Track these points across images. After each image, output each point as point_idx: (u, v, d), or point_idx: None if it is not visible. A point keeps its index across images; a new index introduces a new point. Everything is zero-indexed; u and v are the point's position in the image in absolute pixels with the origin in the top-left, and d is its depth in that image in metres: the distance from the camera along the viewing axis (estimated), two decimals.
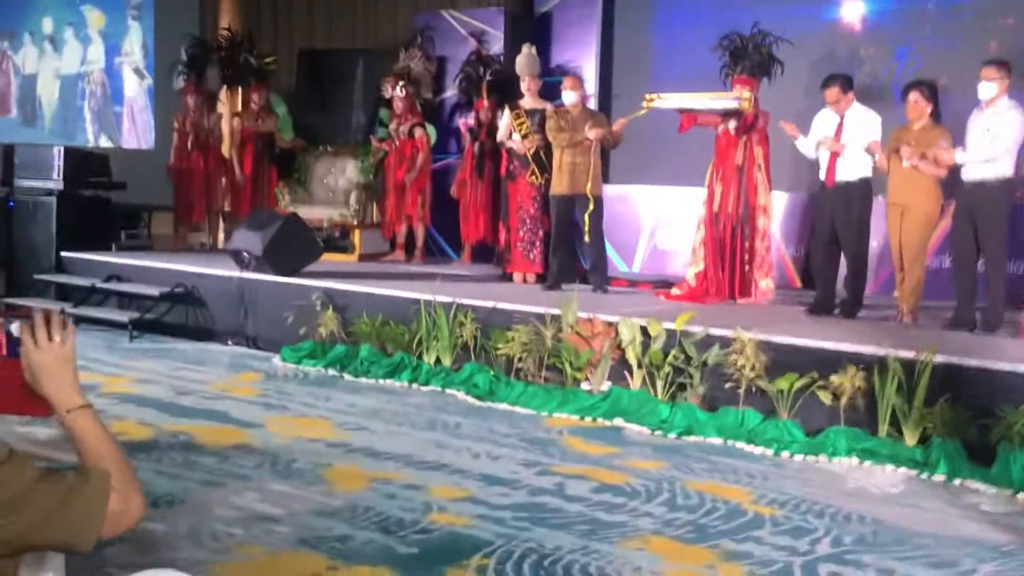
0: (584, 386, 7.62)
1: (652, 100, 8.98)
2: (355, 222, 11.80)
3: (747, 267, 8.89)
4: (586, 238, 9.32)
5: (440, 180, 12.09)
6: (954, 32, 9.67)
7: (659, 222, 11.39)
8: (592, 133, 9.21)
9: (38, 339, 2.31)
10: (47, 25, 14.81)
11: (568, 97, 9.49)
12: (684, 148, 10.11)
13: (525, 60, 10.22)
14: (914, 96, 7.90)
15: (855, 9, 10.36)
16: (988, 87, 7.49)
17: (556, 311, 7.87)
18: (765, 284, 8.91)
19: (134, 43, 14.35)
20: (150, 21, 14.20)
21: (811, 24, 10.04)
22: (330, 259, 10.67)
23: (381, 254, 11.95)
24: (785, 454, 6.52)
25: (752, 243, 8.87)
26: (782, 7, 9.92)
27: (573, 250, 10.02)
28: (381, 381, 8.29)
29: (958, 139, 7.75)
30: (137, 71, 14.35)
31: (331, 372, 8.58)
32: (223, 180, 12.52)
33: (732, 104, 8.72)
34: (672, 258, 11.26)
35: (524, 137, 9.88)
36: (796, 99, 9.93)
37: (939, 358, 6.43)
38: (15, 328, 2.42)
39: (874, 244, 8.86)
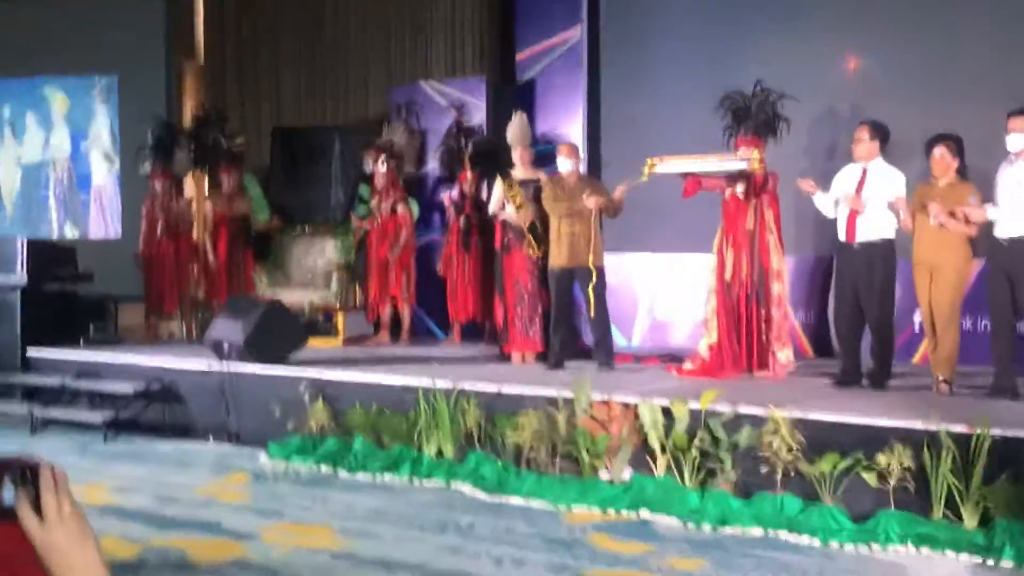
0: (603, 475, 7.05)
1: (654, 165, 8.49)
2: (337, 304, 11.23)
3: (764, 337, 8.39)
4: (591, 313, 8.79)
5: (424, 257, 11.57)
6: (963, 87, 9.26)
7: (658, 292, 10.87)
8: (591, 201, 8.72)
9: (46, 512, 1.62)
10: (6, 111, 14.23)
11: (564, 165, 9.01)
12: (681, 214, 9.67)
13: (517, 129, 9.74)
14: (939, 151, 7.47)
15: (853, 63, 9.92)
16: (1018, 139, 7.06)
17: (567, 394, 7.31)
18: (784, 355, 8.40)
19: (101, 127, 13.79)
20: (116, 104, 13.67)
21: (810, 81, 9.59)
22: (313, 345, 10.07)
23: (366, 337, 11.36)
24: (834, 543, 5.96)
25: (768, 311, 8.38)
26: (778, 64, 9.49)
27: (574, 326, 9.49)
28: (379, 477, 7.68)
29: (986, 194, 7.33)
30: (107, 156, 13.78)
31: (324, 469, 7.97)
32: (195, 266, 11.95)
33: (741, 166, 8.26)
34: (674, 330, 10.75)
35: (519, 208, 9.37)
36: (797, 158, 9.50)
37: (994, 431, 5.91)
38: (7, 494, 1.61)
39: None
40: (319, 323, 11.31)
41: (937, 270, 7.35)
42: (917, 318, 8.88)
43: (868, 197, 7.67)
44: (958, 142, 7.47)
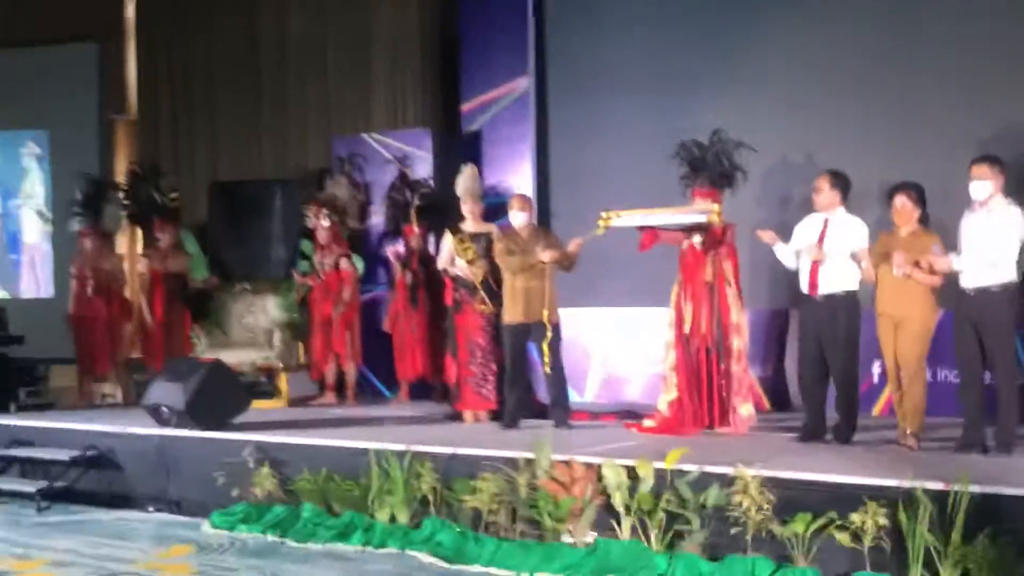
0: (566, 539, 6.75)
1: (609, 219, 8.29)
2: (280, 364, 10.86)
3: (725, 393, 8.17)
4: (546, 369, 8.55)
5: (370, 313, 11.28)
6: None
7: (612, 347, 10.64)
8: (546, 255, 8.50)
9: None
10: None
11: (517, 218, 8.79)
12: (634, 266, 9.46)
13: (468, 181, 9.48)
14: (900, 200, 7.32)
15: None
16: (981, 186, 6.94)
17: (527, 454, 7.03)
18: (746, 410, 8.18)
19: (35, 184, 13.39)
20: (48, 160, 13.27)
21: (764, 130, 9.49)
22: (256, 407, 9.69)
23: (310, 398, 11.03)
24: None
25: (728, 366, 8.17)
26: (731, 113, 9.38)
27: (529, 383, 9.23)
28: (330, 545, 7.33)
29: (948, 243, 7.21)
30: (40, 214, 13.36)
31: (271, 538, 7.60)
32: (130, 326, 11.56)
33: (700, 219, 8.08)
34: (628, 385, 10.53)
35: (470, 263, 9.11)
36: (751, 209, 9.36)
37: (972, 487, 5.71)
38: None
39: None
40: (260, 384, 10.93)
41: (902, 322, 7.18)
42: (876, 368, 8.77)
43: (830, 248, 7.51)
44: (919, 190, 7.33)
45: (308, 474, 7.82)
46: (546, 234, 8.95)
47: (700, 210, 8.14)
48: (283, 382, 10.80)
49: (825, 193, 7.66)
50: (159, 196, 11.72)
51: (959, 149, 8.23)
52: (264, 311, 11.40)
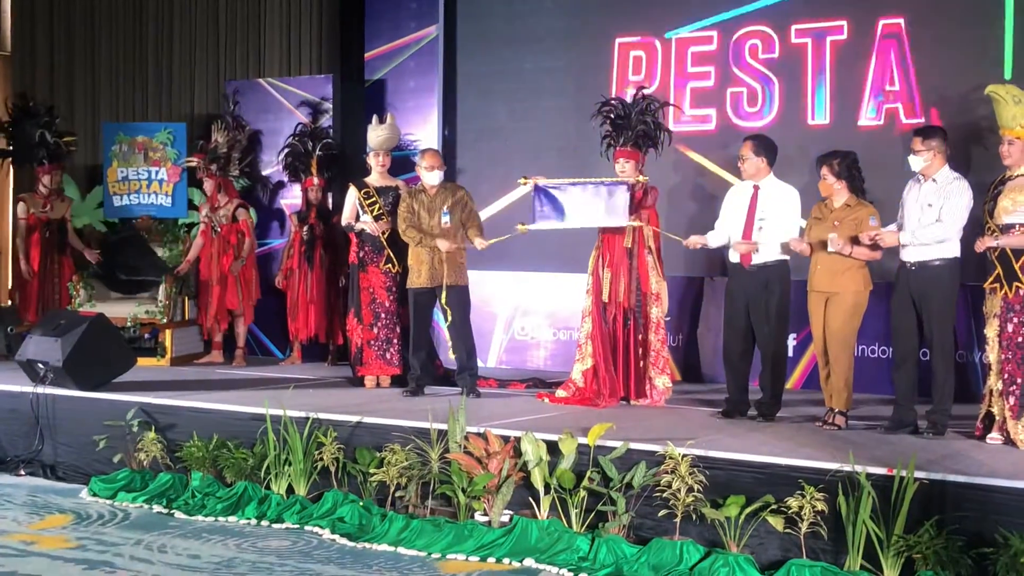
0: (480, 517, 6.32)
1: (524, 228, 7.99)
2: (164, 320, 10.20)
3: (642, 363, 7.82)
4: (453, 334, 8.15)
5: (260, 269, 10.63)
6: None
7: (516, 311, 10.22)
8: (442, 244, 8.03)
9: None
10: None
11: (433, 177, 8.21)
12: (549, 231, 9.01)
13: (388, 133, 8.89)
14: (823, 171, 7.00)
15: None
16: (916, 161, 6.65)
17: (439, 425, 6.60)
18: (662, 382, 7.86)
19: None
20: None
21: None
22: (138, 364, 9.03)
23: (196, 356, 10.39)
24: None
25: (646, 336, 7.82)
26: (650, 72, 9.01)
27: (433, 348, 8.77)
28: (221, 519, 6.81)
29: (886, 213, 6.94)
30: None
31: (156, 509, 7.07)
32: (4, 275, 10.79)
33: (625, 193, 7.68)
34: (532, 351, 10.12)
35: (377, 219, 8.57)
36: (668, 174, 9.01)
37: (918, 473, 5.43)
38: None
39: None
40: (142, 340, 10.27)
41: (834, 297, 6.87)
42: (791, 342, 8.50)
43: (762, 217, 7.17)
44: (846, 160, 6.99)
45: (197, 440, 7.31)
46: (455, 190, 8.40)
47: (622, 180, 7.76)
48: (168, 339, 10.13)
49: (750, 161, 7.31)
50: (51, 137, 10.89)
51: None
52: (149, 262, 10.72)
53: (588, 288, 7.96)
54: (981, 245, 6.29)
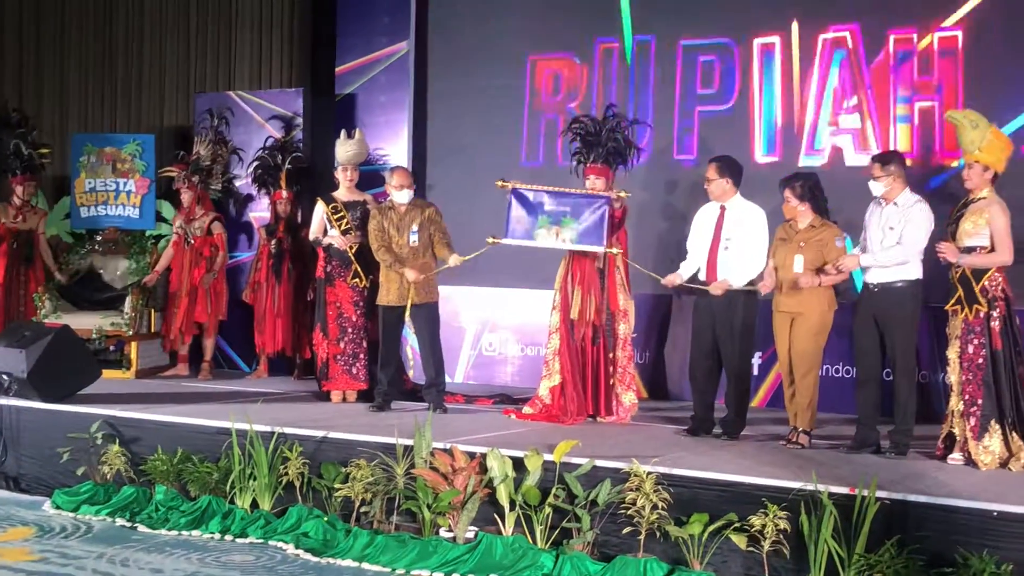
0: (445, 534, 6.33)
1: (495, 240, 7.93)
2: (130, 332, 10.15)
3: (610, 381, 7.84)
4: (421, 350, 8.17)
5: (228, 282, 10.60)
6: None
7: (484, 327, 10.23)
8: (410, 276, 8.01)
9: None
10: None
11: (403, 196, 8.18)
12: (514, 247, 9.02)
13: (357, 148, 8.89)
14: (786, 193, 7.07)
15: None
16: (876, 186, 6.74)
17: (405, 440, 6.59)
18: (628, 399, 7.88)
19: None
20: None
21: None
22: (104, 377, 9.00)
23: (161, 368, 10.35)
24: None
25: (615, 353, 7.84)
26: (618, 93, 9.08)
27: (402, 364, 8.77)
28: (185, 533, 6.77)
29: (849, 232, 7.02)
30: None
31: (119, 522, 7.04)
32: None
33: (604, 216, 7.69)
34: (500, 366, 10.13)
35: (344, 234, 8.56)
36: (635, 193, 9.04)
37: (880, 492, 5.48)
38: None
39: None
40: (107, 352, 10.21)
41: (799, 317, 6.92)
42: (757, 360, 8.55)
43: (728, 237, 7.23)
44: (807, 182, 7.06)
45: (162, 453, 7.29)
46: (424, 207, 8.38)
47: (605, 194, 7.78)
48: (133, 351, 10.09)
49: (716, 183, 7.36)
50: (26, 148, 10.83)
51: None
52: (115, 274, 10.68)
53: (555, 304, 7.98)
54: (945, 250, 6.37)
